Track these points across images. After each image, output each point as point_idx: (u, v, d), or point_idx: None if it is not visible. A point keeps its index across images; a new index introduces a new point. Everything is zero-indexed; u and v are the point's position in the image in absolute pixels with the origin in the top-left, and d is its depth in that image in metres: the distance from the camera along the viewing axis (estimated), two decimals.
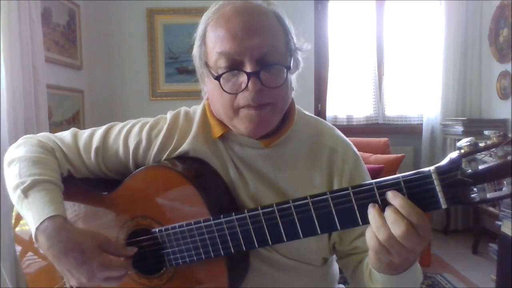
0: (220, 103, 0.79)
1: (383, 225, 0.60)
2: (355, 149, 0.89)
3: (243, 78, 0.74)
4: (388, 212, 0.60)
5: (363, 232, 0.78)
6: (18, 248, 0.95)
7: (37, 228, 0.74)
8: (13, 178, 0.82)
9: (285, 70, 0.77)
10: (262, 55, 0.75)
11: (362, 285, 0.80)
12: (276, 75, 0.76)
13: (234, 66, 0.75)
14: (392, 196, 0.60)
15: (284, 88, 0.78)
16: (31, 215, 0.76)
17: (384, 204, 0.61)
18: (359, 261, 0.84)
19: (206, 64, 0.80)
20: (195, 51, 0.83)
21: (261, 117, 0.76)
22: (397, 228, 0.58)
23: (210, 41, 0.78)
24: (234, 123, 0.80)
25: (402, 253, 0.61)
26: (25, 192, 0.78)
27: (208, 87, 0.82)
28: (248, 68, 0.74)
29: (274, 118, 0.79)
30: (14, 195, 0.80)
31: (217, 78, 0.76)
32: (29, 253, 0.94)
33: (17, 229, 0.94)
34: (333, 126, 0.92)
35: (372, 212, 0.61)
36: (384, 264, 0.65)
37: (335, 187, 0.84)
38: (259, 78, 0.73)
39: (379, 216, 0.60)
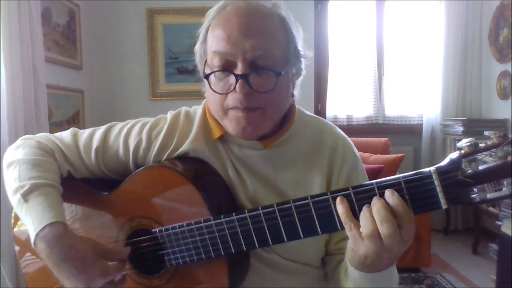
0: (212, 101, 0.80)
1: (369, 220, 0.60)
2: (356, 150, 0.89)
3: (233, 79, 0.74)
4: (380, 208, 0.60)
5: None
6: (17, 248, 0.95)
7: (36, 235, 0.74)
8: (12, 181, 0.81)
9: (276, 76, 0.75)
10: (254, 58, 0.74)
11: (338, 283, 0.81)
12: (267, 80, 0.75)
13: (227, 66, 0.75)
14: (389, 195, 0.60)
15: (276, 94, 0.77)
16: (30, 221, 0.76)
17: None
18: (341, 261, 0.84)
19: (206, 62, 0.80)
20: (197, 47, 0.83)
21: (249, 120, 0.76)
22: (385, 228, 0.59)
23: (210, 40, 0.78)
24: (224, 123, 0.80)
25: (377, 249, 0.61)
26: (25, 196, 0.77)
27: (205, 84, 0.83)
28: (238, 70, 0.73)
29: (264, 123, 0.78)
30: (14, 199, 0.80)
31: (206, 76, 0.77)
32: (28, 253, 0.93)
33: (16, 229, 0.94)
34: (335, 125, 0.92)
35: (364, 209, 0.62)
36: (357, 256, 0.66)
37: (333, 185, 0.84)
38: (247, 81, 0.73)
39: (368, 213, 0.61)
